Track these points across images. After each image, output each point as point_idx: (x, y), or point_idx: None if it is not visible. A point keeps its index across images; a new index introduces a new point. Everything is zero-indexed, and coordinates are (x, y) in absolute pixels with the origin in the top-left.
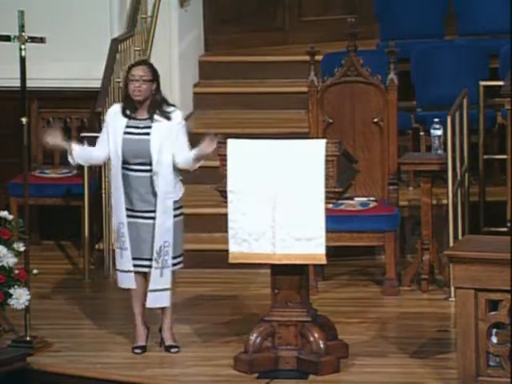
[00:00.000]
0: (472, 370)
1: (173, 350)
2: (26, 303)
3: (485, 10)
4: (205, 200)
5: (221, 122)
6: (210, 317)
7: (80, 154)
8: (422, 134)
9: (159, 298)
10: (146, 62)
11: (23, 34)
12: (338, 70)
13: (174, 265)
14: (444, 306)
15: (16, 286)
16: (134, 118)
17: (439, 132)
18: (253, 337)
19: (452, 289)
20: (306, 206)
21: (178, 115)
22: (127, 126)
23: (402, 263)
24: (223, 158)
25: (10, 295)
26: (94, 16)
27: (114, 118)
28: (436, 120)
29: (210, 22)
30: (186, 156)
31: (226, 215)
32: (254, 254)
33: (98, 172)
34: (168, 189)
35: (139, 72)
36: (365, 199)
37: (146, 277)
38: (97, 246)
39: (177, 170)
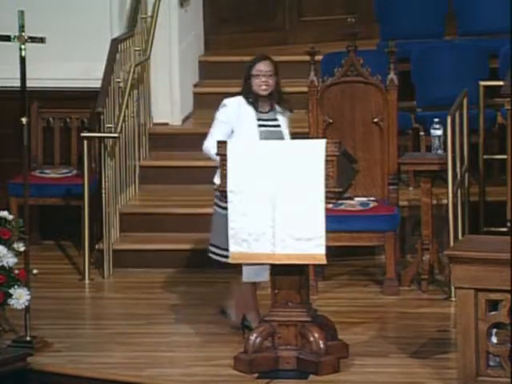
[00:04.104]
0: (472, 370)
1: None
2: (26, 303)
3: (485, 10)
4: (205, 200)
5: None
6: (210, 317)
7: None
8: (422, 134)
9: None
10: (267, 57)
11: (23, 34)
12: (338, 70)
13: None
14: (444, 305)
15: (16, 286)
16: (260, 111)
17: (439, 132)
18: (253, 337)
19: (452, 289)
20: (305, 206)
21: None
22: (259, 119)
23: (402, 263)
24: (223, 157)
25: (10, 295)
26: (94, 16)
27: (240, 110)
28: (436, 120)
29: (210, 21)
30: None
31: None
32: (254, 254)
33: (98, 172)
34: None
35: (264, 67)
36: (365, 199)
37: None
38: (97, 246)
39: None
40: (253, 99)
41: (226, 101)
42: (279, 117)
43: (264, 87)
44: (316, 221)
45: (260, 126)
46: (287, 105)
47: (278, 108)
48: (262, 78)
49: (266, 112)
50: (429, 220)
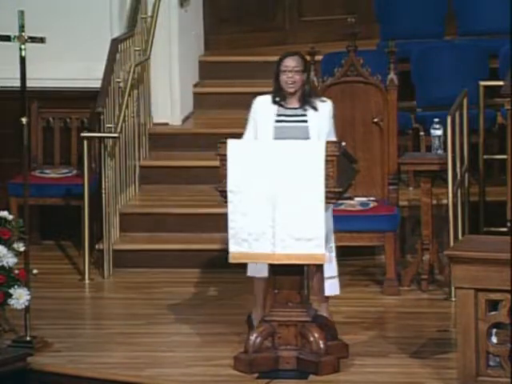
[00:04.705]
0: (472, 370)
1: None
2: (26, 303)
3: (485, 10)
4: (205, 200)
5: (221, 122)
6: (210, 317)
7: None
8: (422, 134)
9: (332, 286)
10: (297, 53)
11: (23, 34)
12: (338, 70)
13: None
14: (444, 306)
15: (16, 286)
16: (285, 107)
17: (439, 132)
18: (253, 337)
19: (452, 289)
20: (305, 206)
21: (327, 106)
22: (279, 115)
23: (402, 263)
24: (223, 157)
25: (10, 295)
26: (94, 16)
27: (263, 107)
28: (436, 120)
29: (210, 21)
30: None
31: (226, 215)
32: (254, 254)
33: (98, 172)
34: None
35: (292, 63)
36: (365, 199)
37: None
38: (97, 246)
39: None
40: (280, 96)
41: (256, 98)
42: (310, 113)
43: (290, 83)
44: (316, 221)
45: (279, 121)
46: (314, 103)
47: (307, 106)
48: (289, 73)
49: (295, 108)
50: (429, 220)
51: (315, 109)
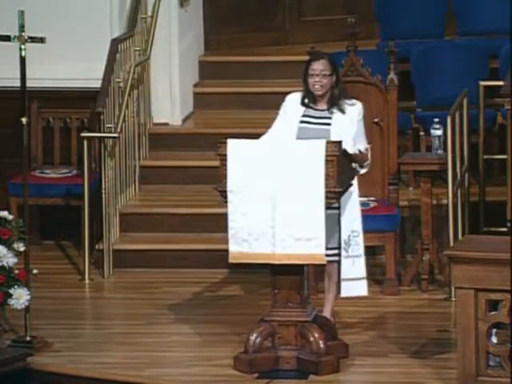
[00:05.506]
0: (472, 370)
1: None
2: (26, 303)
3: (485, 10)
4: (205, 200)
5: (221, 122)
6: (210, 317)
7: None
8: (422, 133)
9: (355, 287)
10: (325, 56)
11: (23, 34)
12: None
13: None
14: (444, 306)
15: (16, 286)
16: (313, 108)
17: (439, 132)
18: (253, 337)
19: (452, 289)
20: (306, 206)
21: (355, 109)
22: (304, 115)
23: (402, 263)
24: (223, 157)
25: (10, 295)
26: (94, 16)
27: (292, 105)
28: (436, 120)
29: (210, 22)
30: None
31: (226, 215)
32: (254, 254)
33: (98, 172)
34: None
35: (319, 66)
36: (365, 199)
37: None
38: (97, 246)
39: None
40: (310, 97)
41: (288, 96)
42: (336, 116)
43: (317, 87)
44: (316, 221)
45: (303, 122)
46: (342, 106)
47: (334, 109)
48: (316, 77)
49: (322, 110)
50: (429, 220)
51: (342, 111)
